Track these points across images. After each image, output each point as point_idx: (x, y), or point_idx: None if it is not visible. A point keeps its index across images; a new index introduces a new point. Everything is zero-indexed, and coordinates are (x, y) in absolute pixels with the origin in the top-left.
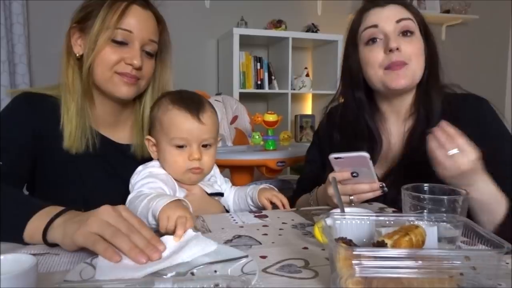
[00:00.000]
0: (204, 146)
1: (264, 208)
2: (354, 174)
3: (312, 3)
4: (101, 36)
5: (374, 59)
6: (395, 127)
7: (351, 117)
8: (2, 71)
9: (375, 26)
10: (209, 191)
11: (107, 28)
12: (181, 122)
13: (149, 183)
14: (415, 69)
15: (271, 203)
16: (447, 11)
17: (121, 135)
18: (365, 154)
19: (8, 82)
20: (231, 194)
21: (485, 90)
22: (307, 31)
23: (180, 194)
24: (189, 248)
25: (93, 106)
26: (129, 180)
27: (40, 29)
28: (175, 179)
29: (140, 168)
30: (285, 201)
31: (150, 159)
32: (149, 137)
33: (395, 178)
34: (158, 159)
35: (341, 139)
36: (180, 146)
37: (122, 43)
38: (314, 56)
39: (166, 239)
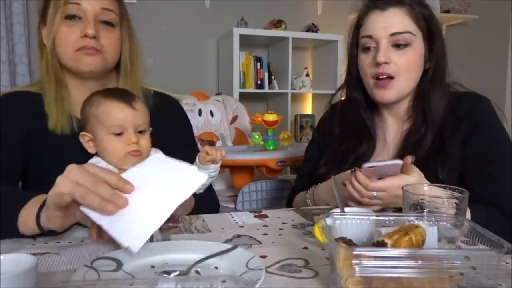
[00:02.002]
0: (140, 132)
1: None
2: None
3: (312, 3)
4: (56, 16)
5: (366, 68)
6: (393, 127)
7: (350, 113)
8: (2, 71)
9: (370, 36)
10: None
11: (58, 6)
12: (116, 111)
13: None
14: (402, 83)
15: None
16: (447, 11)
17: None
18: (400, 162)
19: (8, 82)
20: None
21: (485, 90)
22: (307, 31)
23: None
24: (177, 184)
25: (68, 91)
26: None
27: None
28: (116, 167)
29: None
30: (223, 152)
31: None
32: (84, 133)
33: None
34: (95, 154)
35: (340, 134)
36: (118, 134)
37: (74, 17)
38: (314, 56)
39: (133, 172)
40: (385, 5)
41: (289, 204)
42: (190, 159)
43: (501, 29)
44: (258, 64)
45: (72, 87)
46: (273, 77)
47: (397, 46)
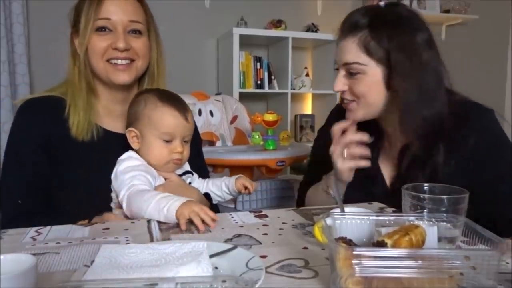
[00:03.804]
0: (185, 141)
1: (239, 193)
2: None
3: (312, 3)
4: (87, 30)
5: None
6: (394, 132)
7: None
8: (2, 71)
9: (335, 62)
10: (179, 172)
11: (89, 21)
12: (171, 120)
13: (136, 176)
14: (364, 106)
15: (245, 188)
16: (447, 11)
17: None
18: None
19: (8, 82)
20: (201, 183)
21: (485, 90)
22: (307, 31)
23: (159, 181)
24: (185, 268)
25: (98, 99)
26: None
27: (40, 29)
28: (155, 168)
29: (120, 161)
30: (258, 187)
31: None
32: (132, 129)
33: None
34: (135, 150)
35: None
36: (167, 141)
37: (105, 30)
38: (314, 56)
39: (169, 248)
40: (344, 34)
41: (299, 202)
42: (194, 169)
43: (501, 29)
44: (258, 64)
45: (100, 94)
46: (273, 77)
47: (350, 74)
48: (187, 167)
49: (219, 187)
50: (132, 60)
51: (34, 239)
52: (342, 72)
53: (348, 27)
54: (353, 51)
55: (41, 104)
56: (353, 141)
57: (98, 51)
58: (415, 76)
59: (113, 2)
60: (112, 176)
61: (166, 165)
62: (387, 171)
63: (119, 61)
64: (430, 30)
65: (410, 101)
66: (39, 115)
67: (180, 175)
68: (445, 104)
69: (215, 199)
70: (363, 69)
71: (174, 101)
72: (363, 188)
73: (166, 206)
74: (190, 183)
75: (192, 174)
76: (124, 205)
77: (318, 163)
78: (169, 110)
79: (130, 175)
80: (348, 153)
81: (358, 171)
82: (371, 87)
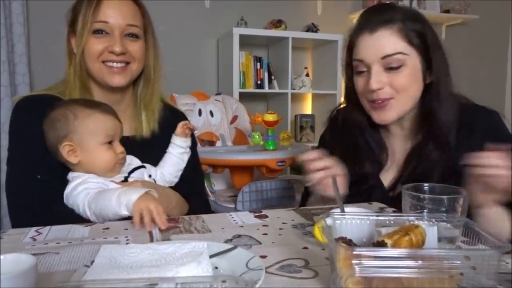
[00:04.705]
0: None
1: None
2: None
3: (312, 3)
4: (84, 32)
5: (361, 90)
6: (401, 142)
7: (351, 136)
8: (2, 71)
9: (361, 60)
10: (130, 168)
11: (86, 23)
12: (110, 122)
13: (89, 183)
14: (400, 103)
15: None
16: (447, 11)
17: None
18: None
19: (8, 82)
20: (157, 171)
21: (485, 90)
22: (307, 31)
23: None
24: (185, 268)
25: (93, 99)
26: None
27: (40, 29)
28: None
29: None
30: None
31: (152, 148)
32: (68, 143)
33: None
34: (73, 166)
35: (342, 154)
36: (109, 143)
37: (102, 32)
38: (314, 56)
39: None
40: (374, 27)
41: (303, 203)
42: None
43: (501, 29)
44: (258, 64)
45: (95, 95)
46: (273, 77)
47: (390, 68)
48: (136, 162)
49: (169, 154)
50: (127, 63)
51: (34, 239)
52: (378, 68)
53: (381, 21)
54: (394, 41)
55: (38, 101)
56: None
57: (94, 53)
58: (447, 67)
59: (110, 4)
60: (64, 200)
61: (113, 168)
62: (386, 182)
63: (115, 64)
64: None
65: (443, 94)
66: (36, 112)
67: (132, 171)
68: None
69: (178, 167)
70: (405, 59)
71: (102, 105)
72: (364, 199)
73: (125, 200)
74: (150, 175)
75: (145, 167)
76: (88, 213)
77: None
78: (104, 115)
79: (82, 187)
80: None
81: (359, 185)
82: (410, 80)
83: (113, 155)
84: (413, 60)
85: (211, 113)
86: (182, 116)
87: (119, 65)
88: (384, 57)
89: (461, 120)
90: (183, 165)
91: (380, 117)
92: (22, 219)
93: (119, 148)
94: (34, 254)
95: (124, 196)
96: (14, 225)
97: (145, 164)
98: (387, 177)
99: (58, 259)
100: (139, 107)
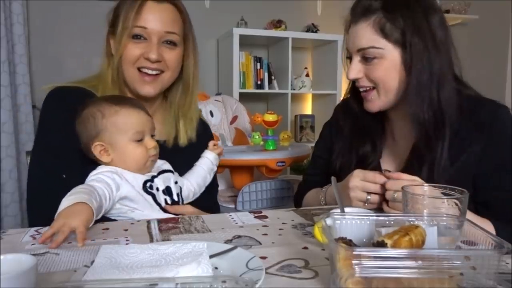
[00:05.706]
0: (153, 136)
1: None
2: None
3: (312, 3)
4: (123, 36)
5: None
6: (403, 127)
7: (352, 117)
8: (2, 71)
9: (347, 49)
10: (155, 173)
11: (127, 28)
12: (138, 117)
13: (96, 178)
14: (383, 93)
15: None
16: (447, 11)
17: None
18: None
19: (8, 82)
20: (184, 181)
21: (485, 90)
22: (307, 31)
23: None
24: (185, 268)
25: None
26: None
27: (40, 29)
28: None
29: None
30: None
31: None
32: (98, 142)
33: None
34: (107, 163)
35: (348, 131)
36: (139, 140)
37: (140, 38)
38: (314, 56)
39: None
40: (356, 18)
41: (297, 202)
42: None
43: (501, 29)
44: (258, 64)
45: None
46: (273, 77)
47: (366, 59)
48: (167, 166)
49: (200, 167)
50: (161, 71)
51: (34, 239)
52: (357, 58)
53: (361, 11)
54: (367, 35)
55: (70, 94)
56: (377, 191)
57: (130, 59)
58: (429, 56)
59: (151, 9)
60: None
61: (145, 165)
62: (391, 168)
63: (149, 71)
64: (441, 11)
65: (421, 81)
66: (66, 104)
67: (157, 175)
68: (454, 91)
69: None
70: (380, 52)
71: (129, 101)
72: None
73: (62, 205)
74: (176, 182)
75: (173, 173)
76: None
77: (320, 157)
78: (131, 110)
79: (92, 177)
80: (371, 201)
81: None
82: (389, 71)
83: (144, 151)
84: (389, 53)
85: (211, 113)
86: (209, 130)
87: (153, 72)
88: (359, 50)
89: (467, 110)
90: (209, 181)
91: (367, 106)
92: (40, 218)
93: (151, 143)
94: (34, 254)
95: (66, 199)
96: (32, 223)
97: (172, 170)
98: (389, 163)
99: (58, 259)
100: (176, 115)
